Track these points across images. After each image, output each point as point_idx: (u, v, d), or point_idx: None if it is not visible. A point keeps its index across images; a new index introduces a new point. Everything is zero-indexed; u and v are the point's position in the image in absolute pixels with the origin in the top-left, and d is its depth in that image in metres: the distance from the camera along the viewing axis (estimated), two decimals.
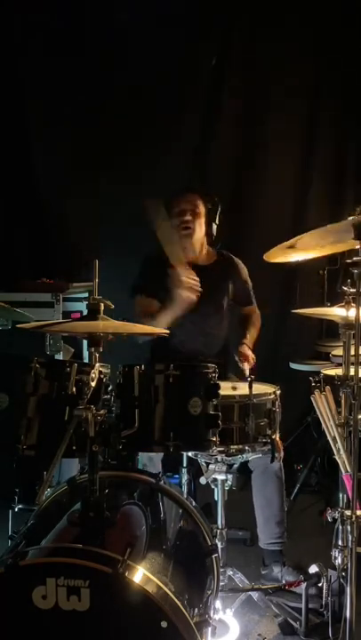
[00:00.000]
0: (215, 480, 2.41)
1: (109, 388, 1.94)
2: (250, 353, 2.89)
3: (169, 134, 4.07)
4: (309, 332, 4.11)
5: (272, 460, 2.33)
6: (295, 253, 2.14)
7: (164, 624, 1.46)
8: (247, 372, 2.78)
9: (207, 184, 3.19)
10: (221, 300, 3.08)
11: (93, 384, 1.70)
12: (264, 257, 2.17)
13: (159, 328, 2.69)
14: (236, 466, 2.43)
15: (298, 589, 2.49)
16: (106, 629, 1.48)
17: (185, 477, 2.75)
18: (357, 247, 1.92)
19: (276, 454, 2.33)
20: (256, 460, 2.59)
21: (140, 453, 2.68)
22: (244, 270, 3.17)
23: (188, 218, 2.97)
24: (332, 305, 2.21)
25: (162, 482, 2.08)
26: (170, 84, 4.01)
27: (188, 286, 2.74)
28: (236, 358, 2.90)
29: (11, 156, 4.03)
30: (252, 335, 3.08)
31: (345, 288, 2.04)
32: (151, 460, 2.70)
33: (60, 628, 1.48)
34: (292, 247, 2.09)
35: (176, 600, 1.54)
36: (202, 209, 3.02)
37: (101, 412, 1.69)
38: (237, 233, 3.92)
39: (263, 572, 2.82)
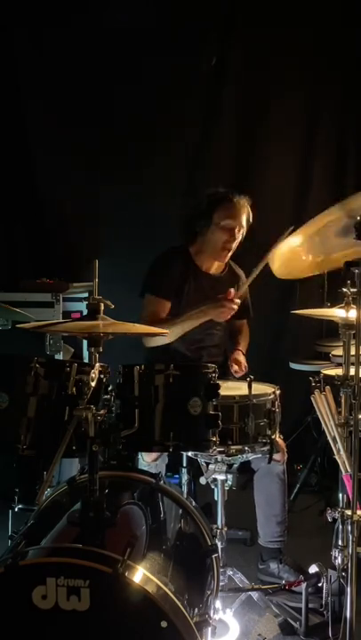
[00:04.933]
0: (215, 480, 2.40)
1: (109, 388, 1.94)
2: (243, 360, 2.92)
3: (169, 134, 4.07)
4: (309, 332, 4.11)
5: (269, 461, 2.33)
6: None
7: (164, 624, 1.45)
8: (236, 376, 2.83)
9: (207, 184, 3.18)
10: None
11: (93, 384, 1.70)
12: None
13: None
14: (235, 466, 2.42)
15: (298, 589, 2.49)
16: (106, 629, 1.48)
17: (185, 477, 2.75)
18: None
19: (278, 455, 2.33)
20: (259, 459, 2.59)
21: (142, 460, 2.69)
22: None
23: (235, 237, 2.90)
24: (332, 305, 2.20)
25: (162, 482, 2.08)
26: (170, 84, 4.02)
27: (229, 310, 2.76)
28: (229, 363, 2.91)
29: (11, 157, 4.03)
30: (244, 345, 3.09)
31: (345, 289, 2.04)
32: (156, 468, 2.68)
33: (60, 628, 1.48)
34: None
35: (176, 600, 1.54)
36: (244, 224, 2.93)
37: (101, 412, 1.69)
38: None
39: (260, 567, 2.83)
